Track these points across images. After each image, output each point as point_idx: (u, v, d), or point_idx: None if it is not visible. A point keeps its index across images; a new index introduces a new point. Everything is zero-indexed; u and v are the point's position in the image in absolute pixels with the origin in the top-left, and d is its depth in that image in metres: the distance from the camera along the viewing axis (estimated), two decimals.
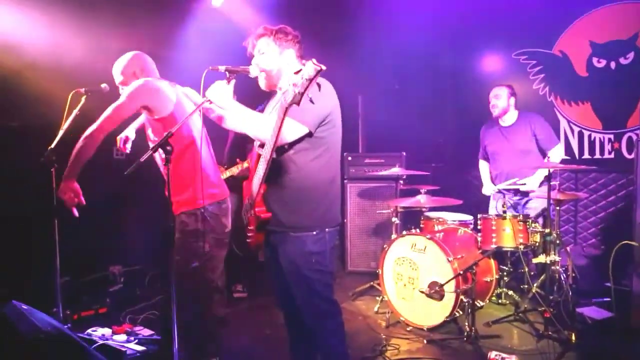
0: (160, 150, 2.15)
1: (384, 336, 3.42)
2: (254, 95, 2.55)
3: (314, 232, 2.25)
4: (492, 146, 4.31)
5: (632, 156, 4.38)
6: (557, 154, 4.05)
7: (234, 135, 4.27)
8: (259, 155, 2.16)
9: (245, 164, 3.95)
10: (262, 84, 2.34)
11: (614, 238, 4.36)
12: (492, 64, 5.44)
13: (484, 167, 4.53)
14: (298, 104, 1.87)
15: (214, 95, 2.13)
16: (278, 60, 2.28)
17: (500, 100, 4.17)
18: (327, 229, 2.29)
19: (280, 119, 1.94)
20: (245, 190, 2.36)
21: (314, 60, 1.82)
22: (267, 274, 2.47)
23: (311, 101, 1.95)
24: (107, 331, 3.15)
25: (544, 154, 4.10)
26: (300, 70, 1.82)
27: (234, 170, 4.02)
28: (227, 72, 2.20)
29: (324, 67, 1.81)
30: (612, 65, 4.55)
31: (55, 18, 3.85)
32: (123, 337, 3.11)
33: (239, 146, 4.24)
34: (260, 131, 2.13)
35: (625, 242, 3.34)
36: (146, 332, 3.37)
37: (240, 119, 2.19)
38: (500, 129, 4.23)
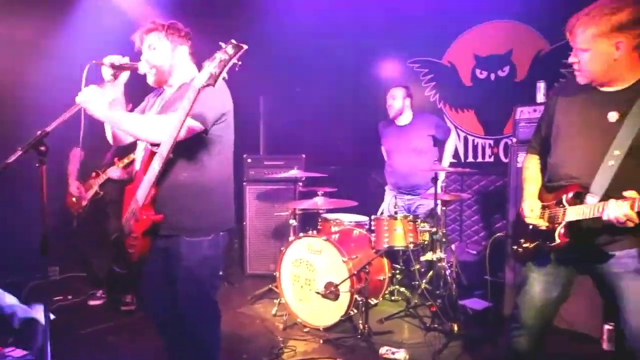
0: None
1: (281, 339, 3.42)
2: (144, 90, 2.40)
3: (210, 237, 2.19)
4: (388, 144, 4.45)
5: (507, 160, 4.84)
6: (451, 141, 4.38)
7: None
8: (150, 155, 2.03)
9: (121, 165, 3.90)
10: (151, 81, 2.23)
11: (492, 234, 4.82)
12: (389, 69, 5.70)
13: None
14: (214, 85, 1.81)
15: (87, 104, 1.94)
16: (170, 57, 2.21)
17: (396, 100, 4.29)
18: (221, 232, 2.25)
19: (190, 104, 1.84)
20: (127, 194, 2.20)
21: (234, 41, 1.79)
22: (143, 282, 2.30)
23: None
24: None
25: (440, 153, 4.35)
26: (217, 51, 1.80)
27: (114, 173, 3.93)
28: (111, 68, 2.08)
29: (245, 47, 1.79)
30: (492, 77, 4.97)
31: None
32: None
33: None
34: (152, 132, 1.99)
35: (498, 234, 3.67)
36: (18, 353, 3.04)
37: (125, 126, 2.02)
38: (396, 128, 4.38)
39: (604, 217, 1.74)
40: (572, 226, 1.91)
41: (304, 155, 4.97)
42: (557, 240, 1.93)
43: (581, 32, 1.87)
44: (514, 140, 3.68)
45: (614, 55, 1.83)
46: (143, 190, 2.03)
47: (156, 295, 2.29)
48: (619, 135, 1.83)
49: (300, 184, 4.54)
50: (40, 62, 4.07)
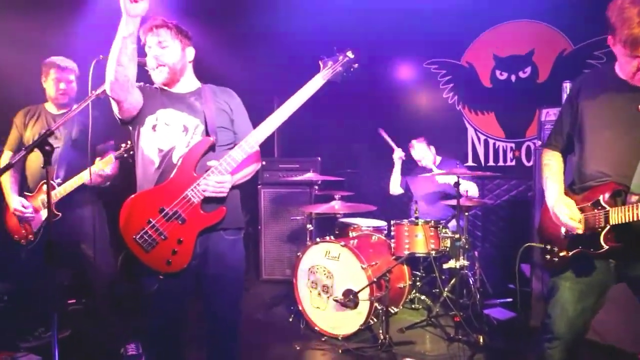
0: None
1: (298, 348, 3.30)
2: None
3: (242, 234, 2.25)
4: (415, 187, 4.46)
5: (531, 164, 4.69)
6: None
7: None
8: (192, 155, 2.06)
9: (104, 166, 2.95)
10: (161, 79, 2.14)
11: (516, 241, 4.63)
12: (405, 72, 5.56)
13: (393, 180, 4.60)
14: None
15: (214, 189, 2.01)
16: (181, 56, 2.16)
17: (425, 152, 4.35)
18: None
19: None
20: (142, 201, 2.05)
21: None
22: (157, 296, 2.11)
23: None
24: None
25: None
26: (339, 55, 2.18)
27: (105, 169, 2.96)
28: None
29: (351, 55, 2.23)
30: (513, 78, 4.83)
31: None
32: None
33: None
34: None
35: (529, 244, 3.51)
36: (31, 358, 2.97)
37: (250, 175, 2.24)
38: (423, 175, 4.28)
39: None
40: (617, 229, 1.77)
41: (319, 158, 4.86)
42: (604, 246, 1.79)
43: None
44: (539, 142, 3.53)
45: None
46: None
47: (175, 309, 2.17)
48: None
49: (316, 187, 4.43)
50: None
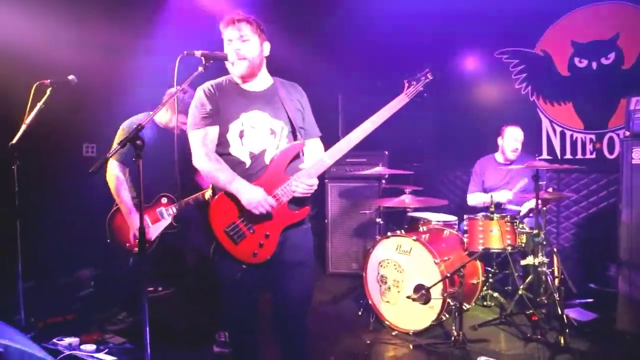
0: None
1: (368, 341, 3.30)
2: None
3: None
4: (490, 182, 4.28)
5: (614, 156, 4.40)
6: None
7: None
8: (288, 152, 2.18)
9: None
10: (240, 71, 2.17)
11: (595, 238, 4.40)
12: (474, 63, 5.37)
13: (478, 196, 4.29)
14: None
15: (304, 191, 2.14)
16: (260, 51, 2.21)
17: (519, 142, 4.15)
18: None
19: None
20: (233, 199, 2.14)
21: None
22: (237, 286, 2.22)
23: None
24: (74, 340, 2.92)
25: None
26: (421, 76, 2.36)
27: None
28: (203, 58, 2.11)
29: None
30: (594, 65, 4.54)
31: (12, 3, 3.58)
32: (92, 346, 2.88)
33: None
34: None
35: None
36: (118, 340, 3.16)
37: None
38: (503, 169, 4.16)
39: None
40: None
41: (387, 152, 4.82)
42: None
43: None
44: (628, 133, 3.30)
45: None
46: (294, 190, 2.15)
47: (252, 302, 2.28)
48: None
49: (384, 181, 4.40)
50: (129, 62, 4.22)
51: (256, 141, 2.17)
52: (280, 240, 2.16)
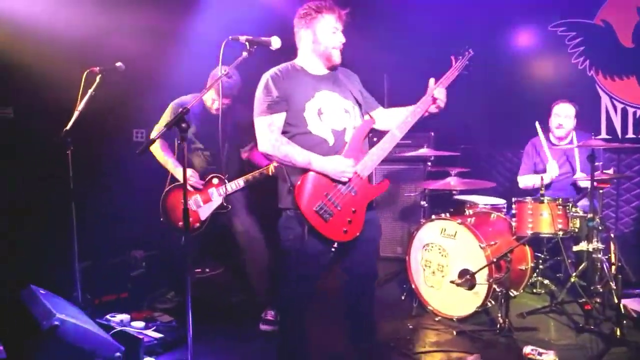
0: None
1: (411, 326, 3.26)
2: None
3: None
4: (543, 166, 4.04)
5: None
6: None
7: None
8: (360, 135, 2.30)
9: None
10: (339, 59, 2.32)
11: None
12: (526, 37, 5.07)
13: (529, 178, 4.08)
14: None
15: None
16: None
17: (569, 120, 3.88)
18: None
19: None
20: (318, 179, 2.19)
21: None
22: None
23: None
24: (125, 317, 3.07)
25: None
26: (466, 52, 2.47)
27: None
28: (247, 43, 2.20)
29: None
30: None
31: None
32: (141, 323, 3.03)
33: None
34: None
35: None
36: (165, 318, 3.30)
37: None
38: (559, 150, 3.94)
39: None
40: None
41: (432, 133, 4.69)
42: None
43: None
44: None
45: None
46: (372, 165, 2.26)
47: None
48: None
49: (429, 163, 4.28)
50: (174, 47, 4.28)
51: (336, 119, 2.26)
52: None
